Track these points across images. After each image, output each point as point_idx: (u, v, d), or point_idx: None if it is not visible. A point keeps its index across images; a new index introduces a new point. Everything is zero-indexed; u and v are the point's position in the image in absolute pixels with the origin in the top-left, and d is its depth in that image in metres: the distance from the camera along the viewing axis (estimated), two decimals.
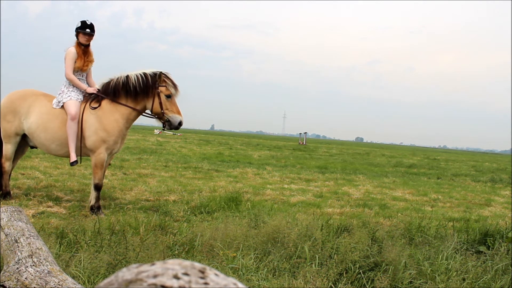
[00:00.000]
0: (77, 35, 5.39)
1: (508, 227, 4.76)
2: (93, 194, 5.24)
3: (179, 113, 5.31)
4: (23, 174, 7.59)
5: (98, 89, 5.38)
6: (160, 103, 5.25)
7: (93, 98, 5.36)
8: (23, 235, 2.23)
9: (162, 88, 5.25)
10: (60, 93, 5.38)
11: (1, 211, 2.46)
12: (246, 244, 3.59)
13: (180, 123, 5.32)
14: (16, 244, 2.15)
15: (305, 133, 41.94)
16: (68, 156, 5.32)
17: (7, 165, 5.51)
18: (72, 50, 5.34)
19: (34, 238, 2.23)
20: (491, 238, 4.25)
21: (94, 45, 5.57)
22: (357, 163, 18.21)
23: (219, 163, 12.92)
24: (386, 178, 12.00)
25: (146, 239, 3.50)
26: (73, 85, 5.38)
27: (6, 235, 2.26)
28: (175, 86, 5.32)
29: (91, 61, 5.51)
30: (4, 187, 5.55)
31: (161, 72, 5.28)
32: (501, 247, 3.80)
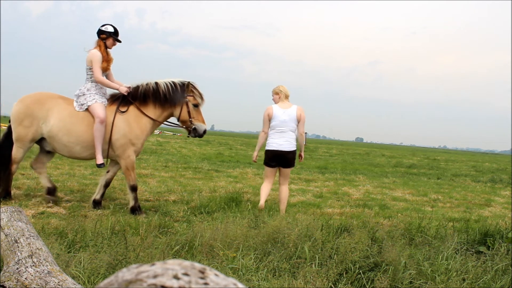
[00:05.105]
0: (105, 38, 5.46)
1: (508, 227, 4.76)
2: (131, 196, 5.38)
3: (203, 122, 5.59)
4: (23, 174, 7.58)
5: (129, 87, 5.48)
6: (188, 112, 5.47)
7: (120, 102, 5.41)
8: (23, 235, 2.23)
9: (190, 98, 5.50)
10: (80, 96, 5.37)
11: (1, 211, 2.46)
12: (246, 244, 3.59)
13: (204, 131, 5.59)
14: (16, 245, 2.15)
15: (305, 133, 41.87)
16: (91, 158, 5.45)
17: (14, 167, 5.50)
18: (98, 54, 5.40)
19: (34, 239, 2.23)
20: (491, 238, 4.25)
21: None
22: (357, 163, 18.21)
23: (219, 163, 12.91)
24: (386, 178, 11.99)
25: (146, 239, 3.50)
26: (97, 87, 5.42)
27: (6, 235, 2.26)
28: (201, 96, 5.58)
29: (111, 60, 5.63)
30: (6, 188, 5.54)
31: (189, 82, 5.54)
32: (501, 247, 3.80)
